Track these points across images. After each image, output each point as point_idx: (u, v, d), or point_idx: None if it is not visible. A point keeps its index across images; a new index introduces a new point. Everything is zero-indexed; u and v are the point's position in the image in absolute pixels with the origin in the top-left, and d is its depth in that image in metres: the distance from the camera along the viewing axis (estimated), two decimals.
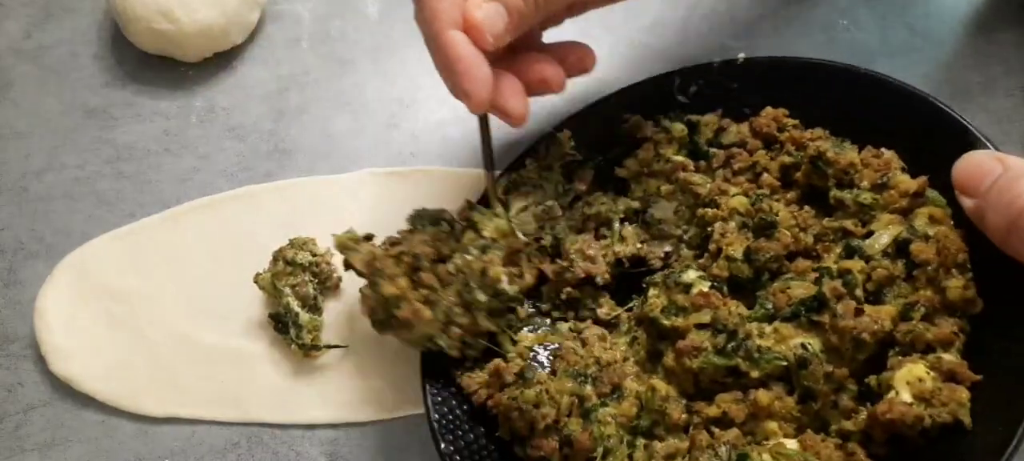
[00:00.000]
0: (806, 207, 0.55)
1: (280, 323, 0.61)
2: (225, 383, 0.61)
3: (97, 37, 0.78)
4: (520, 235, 0.57)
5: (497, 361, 0.53)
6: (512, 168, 0.61)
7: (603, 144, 0.62)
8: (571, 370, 0.53)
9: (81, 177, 0.71)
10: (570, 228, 0.60)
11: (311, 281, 0.62)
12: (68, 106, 0.74)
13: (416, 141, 0.71)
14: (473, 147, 0.70)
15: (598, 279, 0.57)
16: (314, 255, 0.62)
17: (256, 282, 0.62)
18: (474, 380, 0.54)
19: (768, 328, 0.50)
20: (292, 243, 0.62)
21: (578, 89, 0.72)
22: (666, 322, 0.52)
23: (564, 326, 0.57)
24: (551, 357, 0.55)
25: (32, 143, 0.73)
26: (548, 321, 0.59)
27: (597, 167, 0.62)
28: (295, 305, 0.60)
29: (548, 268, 0.58)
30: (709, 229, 0.56)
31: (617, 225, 0.59)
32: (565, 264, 0.58)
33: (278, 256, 0.62)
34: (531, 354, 0.55)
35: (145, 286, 0.65)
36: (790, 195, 0.56)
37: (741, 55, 0.61)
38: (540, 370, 0.53)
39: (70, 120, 0.74)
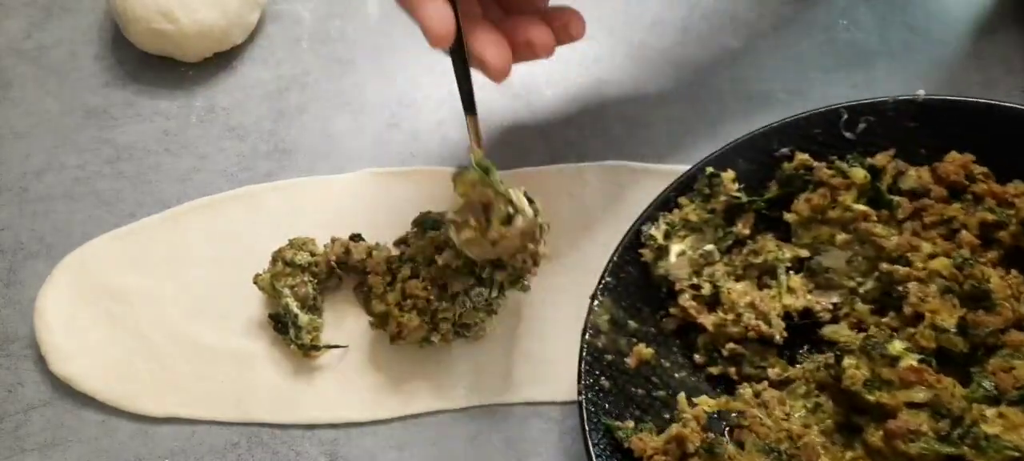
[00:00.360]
0: (1013, 271, 0.51)
1: (280, 323, 0.61)
2: (225, 383, 0.61)
3: (97, 37, 0.78)
4: (498, 188, 0.52)
5: (678, 428, 0.50)
6: (664, 207, 0.57)
7: (758, 182, 0.58)
8: (762, 444, 0.49)
9: (81, 177, 0.71)
10: (728, 275, 0.56)
11: (310, 281, 0.61)
12: (68, 106, 0.74)
13: (416, 141, 0.71)
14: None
15: (777, 338, 0.54)
16: (313, 255, 0.62)
17: (255, 283, 0.62)
18: (647, 443, 0.50)
19: (991, 412, 0.46)
20: (291, 243, 0.62)
21: (584, 91, 0.72)
22: (870, 397, 0.48)
23: (747, 391, 0.53)
24: (727, 424, 0.51)
25: (32, 143, 0.73)
26: (700, 376, 0.55)
27: (758, 210, 0.58)
28: (294, 306, 0.60)
29: (706, 319, 0.55)
30: (898, 288, 0.52)
31: (783, 274, 0.56)
32: (729, 317, 0.54)
33: (277, 257, 0.62)
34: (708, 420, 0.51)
35: (145, 286, 0.65)
36: (991, 255, 0.52)
37: (921, 92, 0.56)
38: (727, 442, 0.50)
39: (70, 120, 0.74)
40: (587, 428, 0.50)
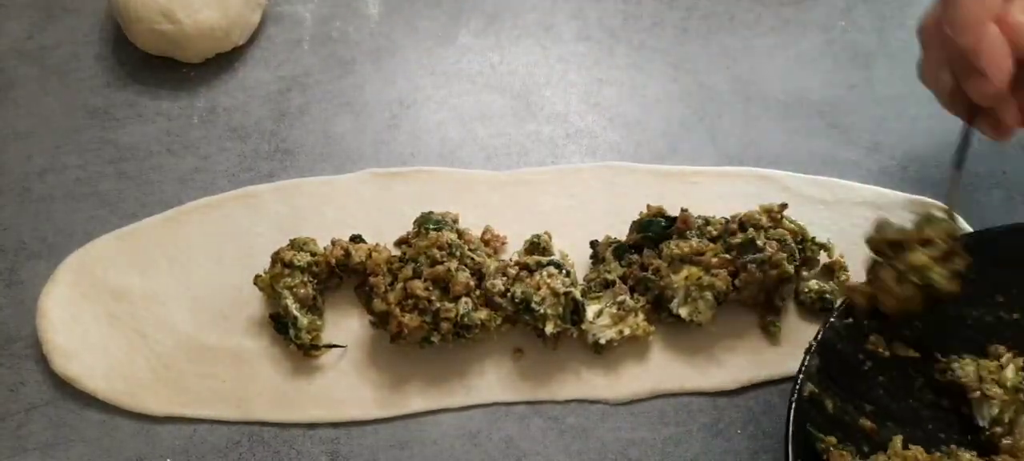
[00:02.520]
0: None
1: (280, 323, 0.61)
2: (226, 382, 0.61)
3: (99, 38, 0.78)
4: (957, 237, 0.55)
5: (879, 456, 0.53)
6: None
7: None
8: None
9: (83, 177, 0.71)
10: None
11: (310, 282, 0.62)
12: (70, 107, 0.75)
13: (416, 141, 0.71)
14: (472, 145, 0.70)
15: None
16: (314, 256, 0.62)
17: (256, 284, 0.62)
18: (843, 459, 0.52)
19: None
20: (292, 244, 0.63)
21: (584, 91, 0.72)
22: None
23: (965, 455, 0.54)
24: None
25: (34, 143, 0.73)
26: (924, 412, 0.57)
27: None
28: (293, 307, 0.61)
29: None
30: None
31: None
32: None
33: (276, 258, 0.62)
34: None
35: (147, 286, 0.65)
36: None
37: None
38: None
39: (72, 121, 0.74)
40: (790, 439, 0.51)
